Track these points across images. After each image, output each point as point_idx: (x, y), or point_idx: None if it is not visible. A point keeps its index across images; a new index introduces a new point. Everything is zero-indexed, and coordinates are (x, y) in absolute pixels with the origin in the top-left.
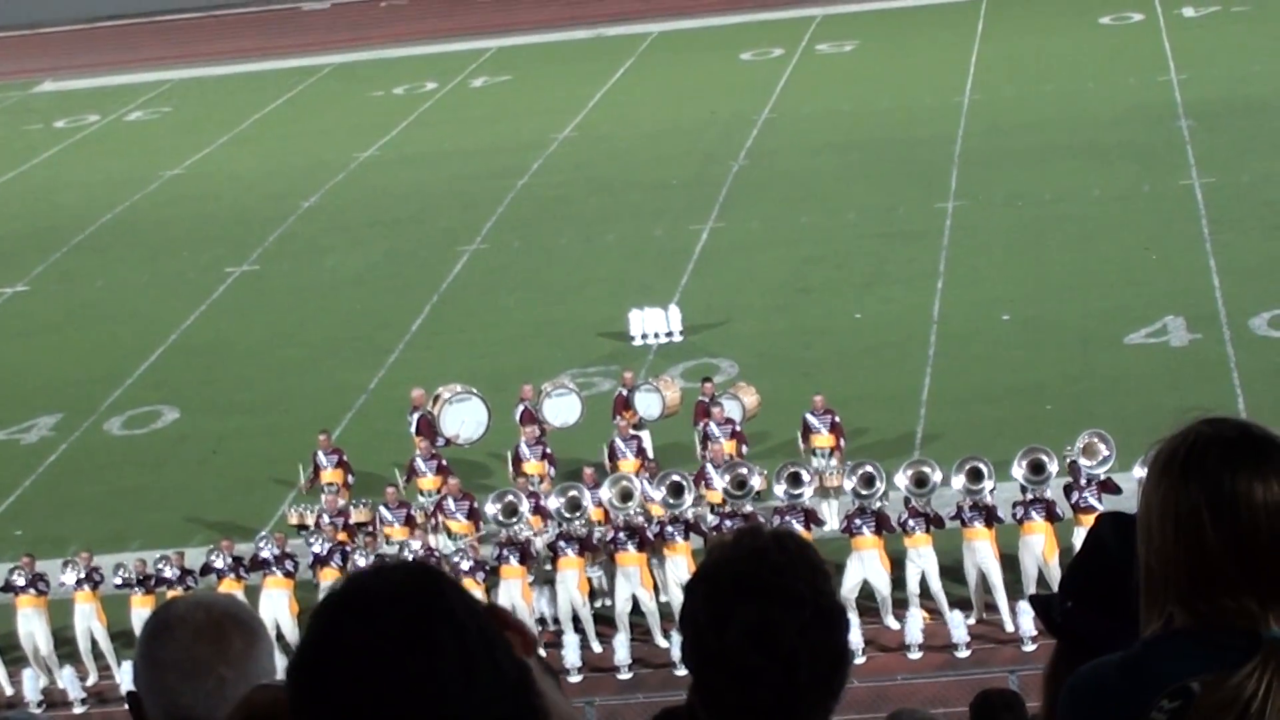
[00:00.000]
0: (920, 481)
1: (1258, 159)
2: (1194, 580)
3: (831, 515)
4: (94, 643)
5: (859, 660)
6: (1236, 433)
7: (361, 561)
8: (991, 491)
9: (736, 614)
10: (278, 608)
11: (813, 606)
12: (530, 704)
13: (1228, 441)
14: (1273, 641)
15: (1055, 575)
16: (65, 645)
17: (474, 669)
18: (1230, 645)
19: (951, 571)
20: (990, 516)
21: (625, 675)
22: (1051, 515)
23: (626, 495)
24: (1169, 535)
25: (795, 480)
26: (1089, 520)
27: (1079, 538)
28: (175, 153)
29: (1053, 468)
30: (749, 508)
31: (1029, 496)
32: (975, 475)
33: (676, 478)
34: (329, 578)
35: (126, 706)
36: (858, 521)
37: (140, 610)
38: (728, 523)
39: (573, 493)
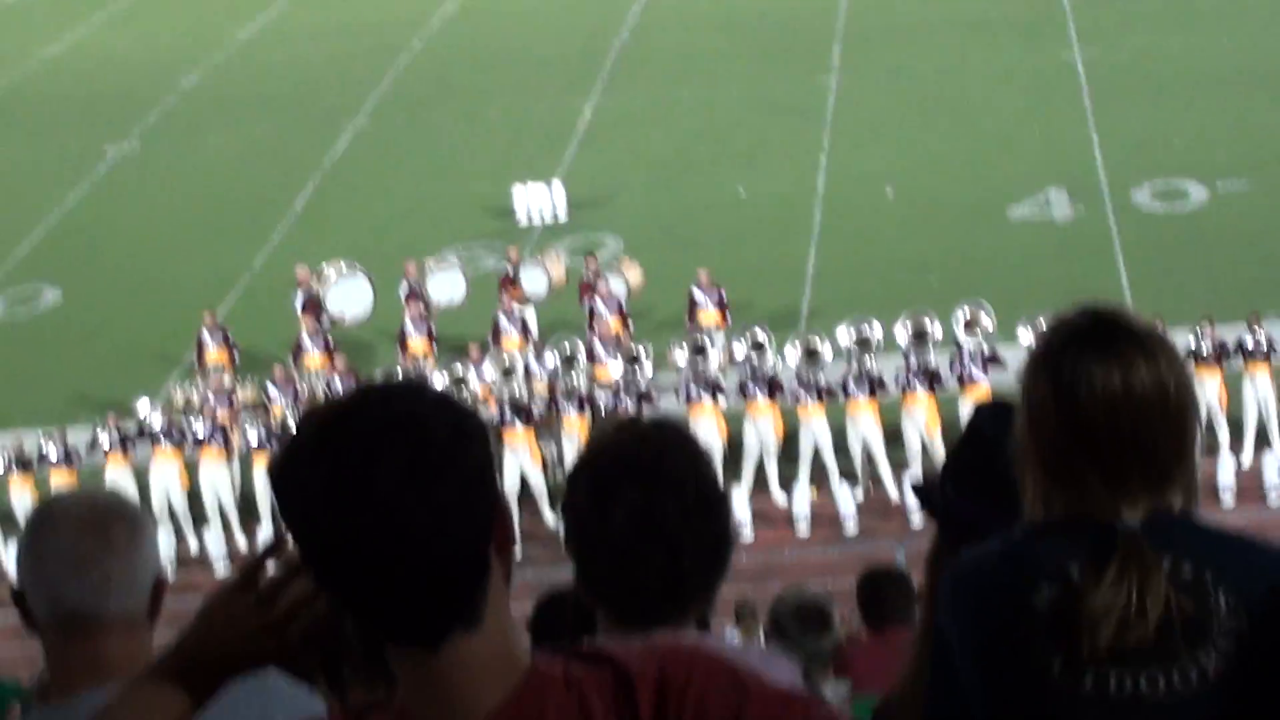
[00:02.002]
0: (810, 353)
1: (1138, 33)
2: (1046, 470)
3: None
4: None
5: (747, 538)
6: (1088, 319)
7: (252, 440)
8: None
9: (619, 498)
10: (168, 480)
11: (695, 491)
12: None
13: (1075, 328)
14: (1128, 533)
15: (938, 448)
16: None
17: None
18: (1100, 533)
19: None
20: (873, 386)
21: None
22: (934, 383)
23: (508, 372)
24: (1023, 424)
25: (699, 351)
26: (973, 393)
27: (964, 410)
28: (51, 30)
29: (936, 332)
30: (643, 386)
31: (912, 364)
32: (864, 344)
33: (566, 347)
34: (212, 457)
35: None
36: (751, 386)
37: (20, 492)
38: (623, 399)
39: (454, 369)
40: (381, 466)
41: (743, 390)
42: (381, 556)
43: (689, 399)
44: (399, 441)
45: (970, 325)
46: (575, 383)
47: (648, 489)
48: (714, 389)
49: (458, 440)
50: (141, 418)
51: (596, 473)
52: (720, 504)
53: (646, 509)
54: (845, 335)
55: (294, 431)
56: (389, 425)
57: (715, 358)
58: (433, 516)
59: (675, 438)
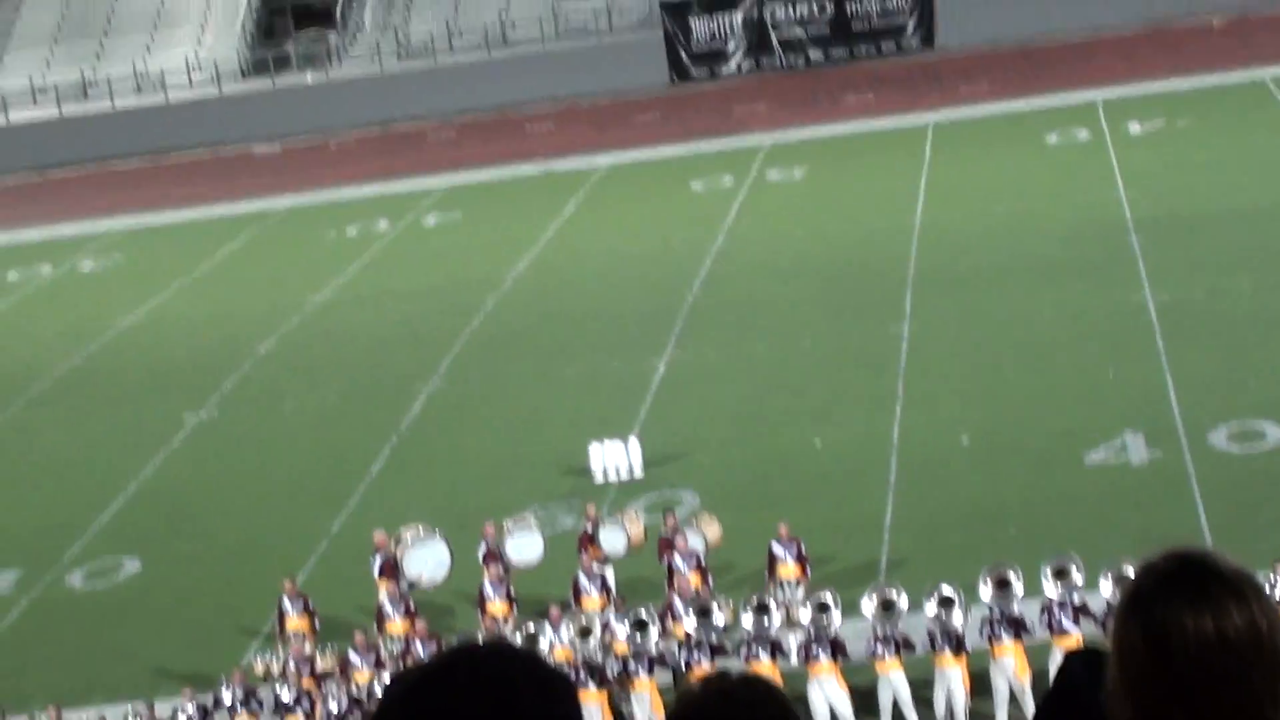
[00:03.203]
0: (886, 606)
1: (1208, 273)
2: (1140, 717)
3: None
4: None
5: None
6: (1177, 564)
7: (332, 708)
8: (963, 622)
9: None
10: None
11: None
12: None
13: (1164, 574)
14: None
15: (1028, 697)
16: None
17: None
18: None
19: (920, 699)
20: (959, 644)
21: None
22: (1020, 632)
23: (585, 633)
24: (1115, 672)
25: (763, 610)
26: (1063, 643)
27: (1055, 660)
28: (129, 301)
29: (1018, 585)
30: (714, 640)
31: (996, 615)
32: (946, 602)
33: (641, 613)
34: None
35: None
36: (815, 648)
37: None
38: (695, 654)
39: (529, 628)
40: None
41: (806, 653)
42: None
43: (748, 657)
44: (487, 702)
45: (1060, 575)
46: (648, 645)
47: None
48: (774, 648)
49: (544, 701)
50: (221, 689)
51: None
52: None
53: None
54: (930, 607)
55: (382, 695)
56: (477, 687)
57: (778, 617)
58: None
59: (764, 693)
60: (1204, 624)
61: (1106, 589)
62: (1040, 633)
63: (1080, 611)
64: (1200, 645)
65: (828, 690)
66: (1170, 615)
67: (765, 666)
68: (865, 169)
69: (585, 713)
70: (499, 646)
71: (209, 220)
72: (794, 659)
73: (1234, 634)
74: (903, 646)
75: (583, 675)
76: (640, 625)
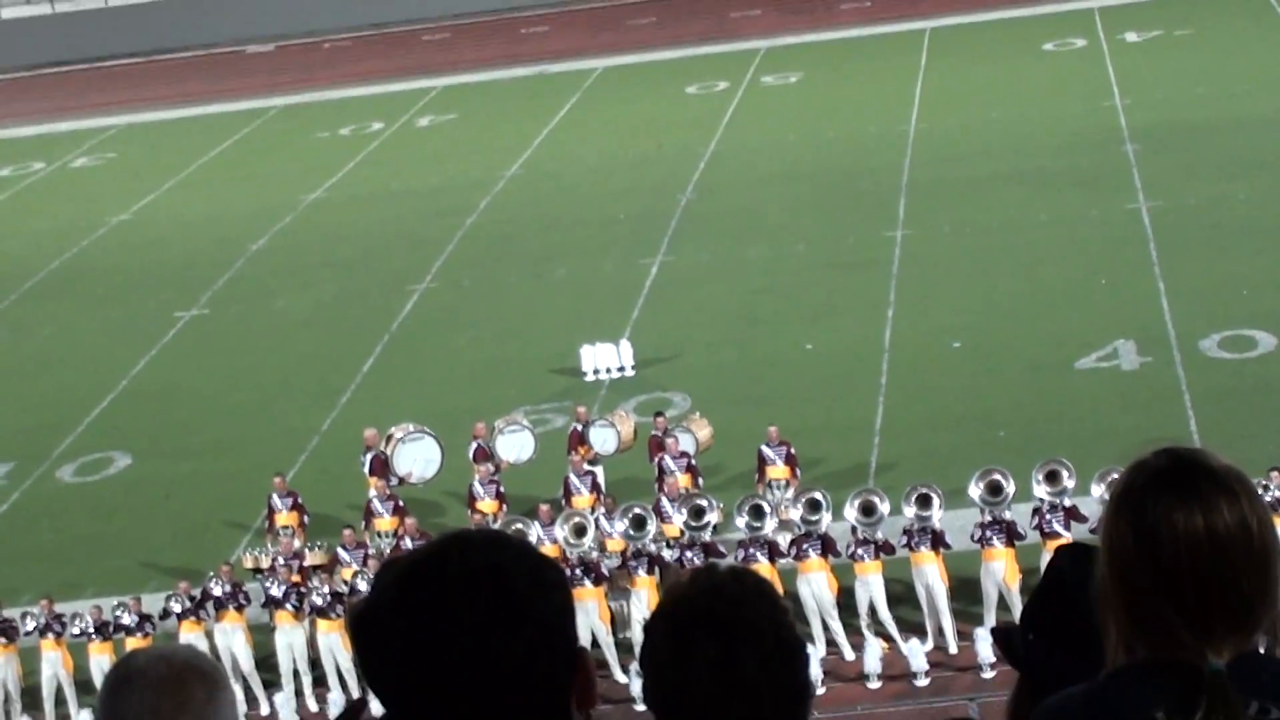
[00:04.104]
0: (867, 510)
1: (1203, 182)
2: (1129, 614)
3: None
4: (59, 689)
5: (819, 692)
6: (1167, 461)
7: (319, 603)
8: (939, 519)
9: (697, 649)
10: (234, 642)
11: (773, 639)
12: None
13: (1155, 471)
14: (1214, 675)
15: (1017, 601)
16: (29, 695)
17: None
18: (1185, 677)
19: (908, 600)
20: (936, 541)
21: None
22: (1012, 537)
23: (580, 531)
24: (1105, 569)
25: (757, 513)
26: (1054, 546)
27: (1045, 562)
28: (121, 198)
29: (1010, 488)
30: (707, 539)
31: (988, 518)
32: (924, 502)
33: (638, 510)
34: (285, 620)
35: None
36: (805, 546)
37: (99, 658)
38: (687, 554)
39: (517, 526)
40: (462, 615)
41: (797, 549)
42: (462, 704)
43: (745, 560)
44: (479, 590)
45: (1050, 479)
46: (646, 544)
47: (725, 639)
48: (770, 550)
49: (537, 589)
50: (209, 583)
51: (673, 624)
52: (799, 652)
53: (724, 659)
54: (909, 510)
55: (373, 581)
56: (469, 575)
57: (771, 521)
58: (513, 664)
59: (752, 586)
60: (1194, 520)
61: (1097, 492)
62: (1031, 536)
63: (1070, 515)
64: (1190, 542)
65: (815, 587)
66: (1161, 511)
67: (763, 568)
68: (861, 75)
69: (581, 609)
70: (491, 534)
71: (202, 119)
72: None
73: (1224, 531)
74: (882, 549)
75: (578, 573)
76: (639, 522)
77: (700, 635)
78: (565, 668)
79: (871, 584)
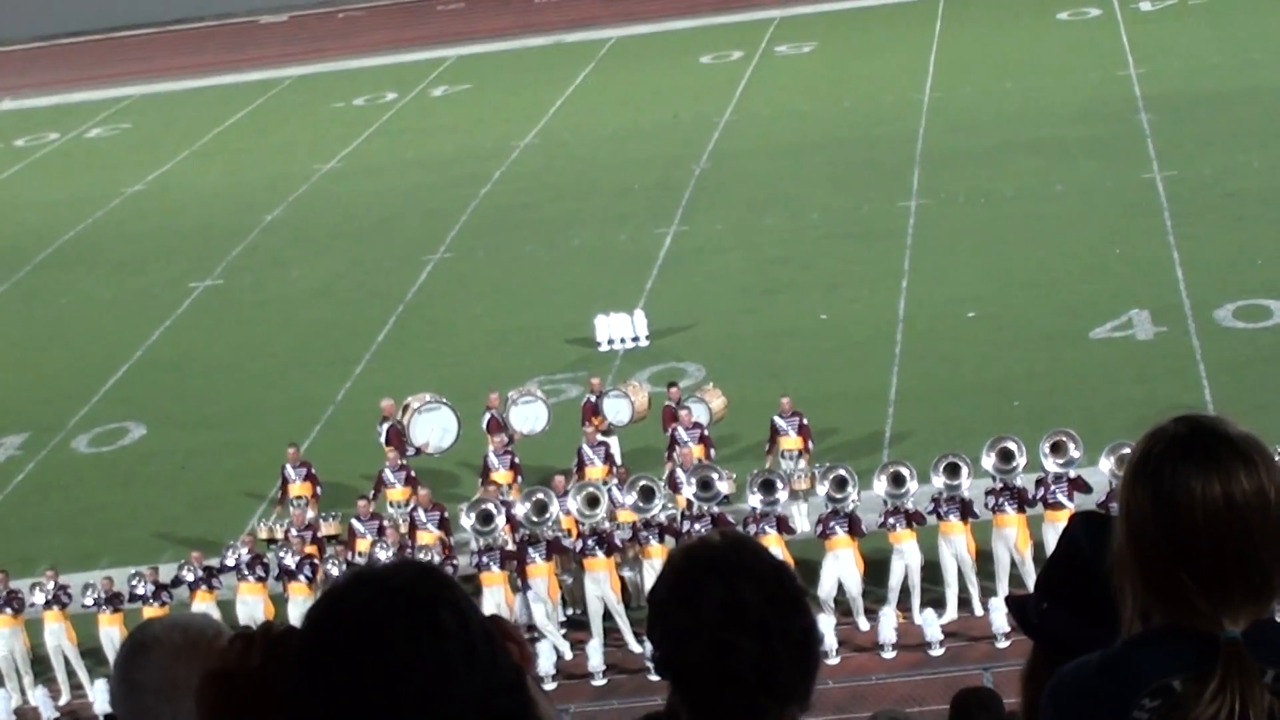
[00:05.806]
0: (897, 481)
1: (1218, 151)
2: (1145, 581)
3: (800, 518)
4: (66, 660)
5: (833, 661)
6: (1186, 429)
7: (334, 572)
8: (968, 488)
9: (706, 591)
10: (254, 613)
11: (776, 583)
12: (525, 703)
13: (1174, 438)
14: (1230, 643)
15: (1029, 567)
16: (40, 664)
17: (475, 658)
18: (1201, 644)
19: (927, 571)
20: (965, 511)
21: (599, 681)
22: (1024, 504)
23: (593, 501)
24: (1122, 535)
25: (768, 488)
26: (1058, 517)
27: (1049, 533)
28: (136, 169)
29: (1021, 457)
30: (716, 510)
31: (999, 485)
32: (953, 470)
33: (646, 481)
34: (298, 591)
35: None
36: (832, 524)
37: (108, 629)
38: (697, 526)
39: (539, 496)
40: (347, 678)
41: (824, 527)
42: None
43: (756, 534)
44: (364, 651)
45: (1056, 450)
46: (656, 515)
47: (732, 581)
48: (780, 523)
49: (416, 640)
50: (226, 554)
51: (681, 573)
52: (801, 597)
53: (733, 598)
54: (937, 479)
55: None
56: (347, 636)
57: (783, 493)
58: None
59: (752, 544)
60: (1211, 488)
61: (1106, 466)
62: (1037, 508)
63: (1075, 486)
64: (1207, 509)
65: (842, 565)
66: (1178, 479)
67: (773, 539)
68: (875, 44)
69: (593, 579)
70: (364, 582)
71: (217, 89)
72: (804, 528)
73: (1241, 498)
74: (913, 519)
75: (590, 544)
76: (647, 493)
77: (708, 579)
78: (489, 682)
79: (907, 552)
